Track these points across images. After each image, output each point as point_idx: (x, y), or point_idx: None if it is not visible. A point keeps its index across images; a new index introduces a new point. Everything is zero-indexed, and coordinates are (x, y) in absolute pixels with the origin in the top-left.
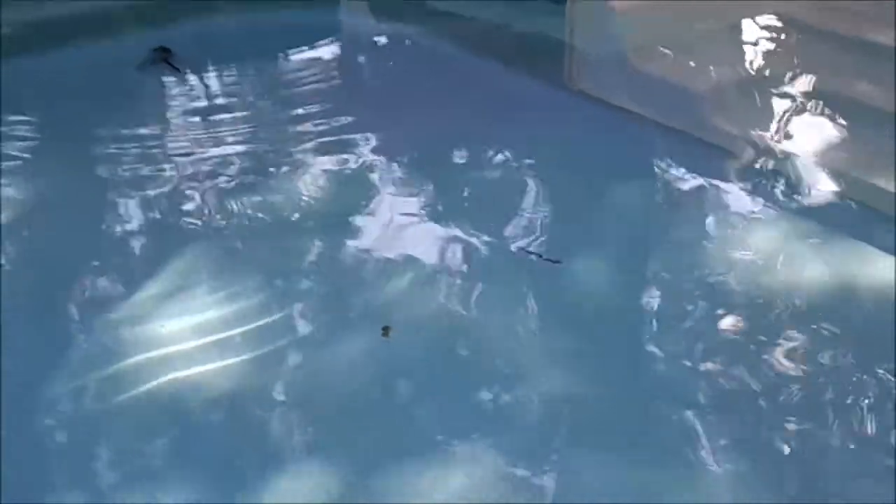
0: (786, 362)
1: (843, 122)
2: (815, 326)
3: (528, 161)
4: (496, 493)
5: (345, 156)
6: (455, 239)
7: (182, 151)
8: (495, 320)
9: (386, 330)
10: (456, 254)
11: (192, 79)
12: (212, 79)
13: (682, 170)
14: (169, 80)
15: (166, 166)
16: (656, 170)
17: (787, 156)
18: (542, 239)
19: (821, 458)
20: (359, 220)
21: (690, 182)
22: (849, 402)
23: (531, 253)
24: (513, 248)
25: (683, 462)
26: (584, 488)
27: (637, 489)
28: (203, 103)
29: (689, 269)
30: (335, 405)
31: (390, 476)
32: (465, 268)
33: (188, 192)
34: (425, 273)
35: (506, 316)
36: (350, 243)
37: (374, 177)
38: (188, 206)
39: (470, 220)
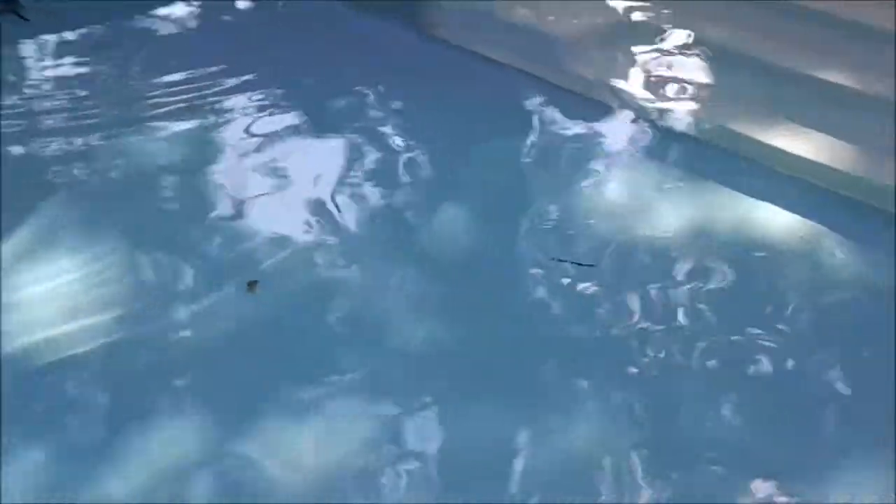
0: (653, 300)
1: (709, 68)
2: (676, 266)
3: (392, 110)
4: (366, 447)
5: (205, 110)
6: (320, 193)
7: (33, 105)
8: (363, 272)
9: (252, 285)
10: (321, 207)
11: (46, 33)
12: (65, 31)
13: (546, 117)
14: (19, 30)
15: (14, 122)
16: (519, 117)
17: (651, 102)
18: (409, 189)
19: (690, 392)
20: (220, 177)
21: (554, 129)
22: (711, 338)
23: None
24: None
25: (556, 406)
26: (456, 439)
27: (511, 435)
28: (55, 56)
29: (556, 216)
30: (200, 361)
31: (257, 431)
32: (330, 221)
33: (41, 149)
34: (290, 226)
35: (374, 268)
36: (212, 199)
37: (237, 131)
38: (41, 164)
39: (335, 173)
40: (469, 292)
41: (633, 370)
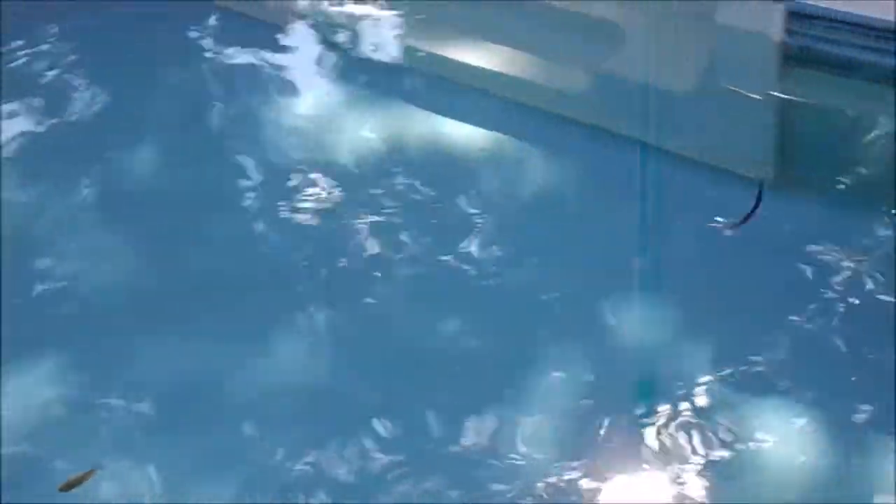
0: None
1: None
2: (371, 189)
3: (63, 48)
4: (60, 397)
5: None
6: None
7: None
8: (46, 212)
9: None
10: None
11: None
12: None
13: (227, 44)
14: None
15: None
16: (198, 46)
17: (335, 23)
18: (87, 126)
19: (399, 315)
20: None
21: (235, 55)
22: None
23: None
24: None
25: (261, 334)
26: (163, 374)
27: (217, 367)
28: None
29: (245, 143)
30: None
31: None
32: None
33: None
34: None
35: (62, 210)
36: None
37: None
38: None
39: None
40: (162, 228)
41: (343, 293)
